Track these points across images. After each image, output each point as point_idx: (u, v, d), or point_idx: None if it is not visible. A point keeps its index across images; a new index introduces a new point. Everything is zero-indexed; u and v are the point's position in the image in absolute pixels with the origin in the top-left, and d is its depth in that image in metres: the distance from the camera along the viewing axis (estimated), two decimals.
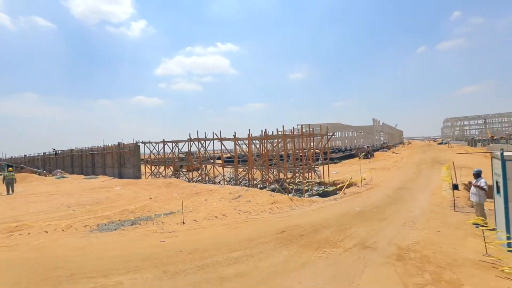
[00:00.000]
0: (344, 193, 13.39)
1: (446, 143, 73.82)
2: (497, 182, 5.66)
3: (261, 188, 16.05)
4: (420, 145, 75.40)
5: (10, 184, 15.90)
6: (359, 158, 44.16)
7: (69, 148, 40.36)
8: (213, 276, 4.49)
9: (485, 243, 5.24)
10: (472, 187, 6.97)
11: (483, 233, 5.28)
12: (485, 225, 5.99)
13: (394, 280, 4.26)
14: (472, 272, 4.44)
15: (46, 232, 7.17)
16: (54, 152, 40.68)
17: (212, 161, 22.99)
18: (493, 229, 5.82)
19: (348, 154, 46.01)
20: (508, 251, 5.16)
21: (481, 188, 6.69)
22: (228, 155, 33.70)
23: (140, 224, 7.87)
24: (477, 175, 6.97)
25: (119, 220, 8.30)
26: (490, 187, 6.58)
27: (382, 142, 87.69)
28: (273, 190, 15.56)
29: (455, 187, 12.63)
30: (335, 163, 37.81)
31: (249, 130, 17.87)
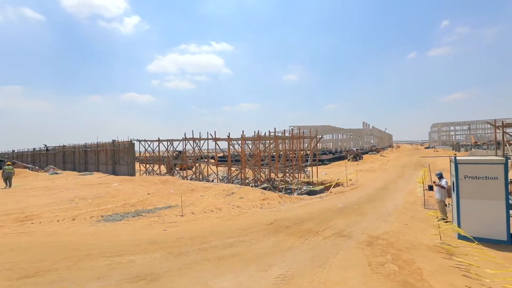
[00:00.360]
0: (330, 192, 14.40)
1: (432, 147, 77.20)
2: (453, 182, 6.70)
3: (253, 187, 16.92)
4: (408, 148, 77.88)
5: (8, 178, 16.33)
6: (348, 160, 45.68)
7: (61, 144, 40.23)
8: (212, 256, 5.32)
9: (439, 232, 6.26)
10: (435, 186, 8.03)
11: (439, 225, 6.31)
12: (444, 218, 7.05)
13: (361, 259, 5.19)
14: (425, 254, 5.43)
15: (58, 221, 7.83)
16: (45, 148, 40.40)
17: (206, 160, 23.70)
18: (446, 221, 6.88)
19: (338, 156, 47.40)
20: (459, 238, 6.18)
21: (442, 187, 7.75)
22: (222, 154, 34.40)
23: (142, 215, 8.59)
24: (440, 176, 8.04)
25: (123, 212, 9.00)
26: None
27: (371, 145, 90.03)
28: (264, 188, 16.43)
29: (430, 188, 13.89)
30: (325, 164, 39.04)
31: (243, 131, 18.74)
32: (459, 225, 6.28)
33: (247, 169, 19.79)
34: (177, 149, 29.58)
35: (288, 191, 16.89)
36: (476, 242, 5.34)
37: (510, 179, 6.80)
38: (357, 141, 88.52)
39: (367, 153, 65.28)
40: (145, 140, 27.85)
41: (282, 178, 18.26)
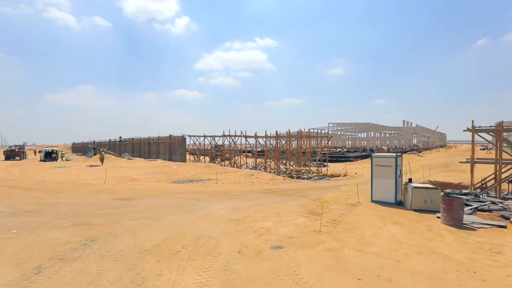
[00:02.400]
0: (329, 179, 18.74)
1: (488, 149, 69.84)
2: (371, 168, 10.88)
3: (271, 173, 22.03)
4: (463, 149, 72.61)
5: (103, 159, 24.77)
6: None
7: (131, 137, 50.69)
8: (229, 197, 10.76)
9: (358, 197, 10.64)
10: None
11: (357, 193, 10.68)
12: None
13: (302, 203, 10.00)
14: (339, 205, 9.97)
15: (150, 181, 14.22)
16: (119, 139, 51.37)
17: (239, 153, 29.55)
18: None
19: (366, 154, 49.19)
20: (371, 202, 10.44)
21: None
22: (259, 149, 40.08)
23: (194, 182, 14.53)
24: None
25: (183, 180, 15.09)
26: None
27: (413, 144, 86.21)
28: (281, 175, 21.37)
29: (410, 180, 17.22)
30: (350, 161, 41.86)
31: (265, 131, 23.89)
32: (372, 194, 10.55)
33: (270, 161, 24.93)
34: (218, 143, 36.14)
35: (300, 178, 21.56)
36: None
37: None
38: (400, 140, 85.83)
39: (405, 152, 64.16)
40: (194, 136, 34.95)
41: (297, 169, 22.97)
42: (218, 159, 37.59)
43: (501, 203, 9.93)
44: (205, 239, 5.66)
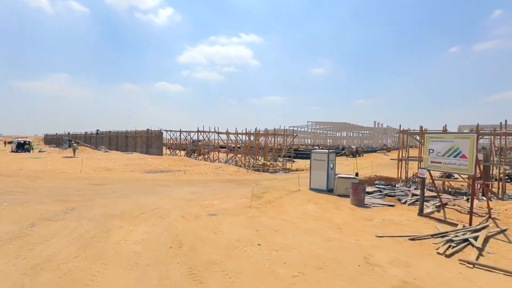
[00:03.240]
0: (290, 173, 21.10)
1: None
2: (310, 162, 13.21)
3: (239, 166, 24.09)
4: None
5: (75, 150, 25.72)
6: (347, 156, 50.87)
7: (108, 130, 50.61)
8: (192, 184, 12.65)
9: (299, 186, 12.95)
10: None
11: (298, 182, 12.98)
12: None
13: (251, 189, 12.11)
14: (282, 192, 12.20)
15: (124, 172, 15.74)
16: (96, 132, 51.09)
17: (213, 148, 31.30)
18: None
19: (338, 152, 52.81)
20: (310, 189, 12.77)
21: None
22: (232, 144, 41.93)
23: (164, 172, 16.22)
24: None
25: (155, 170, 16.73)
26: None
27: (383, 144, 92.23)
28: (248, 168, 23.47)
29: (357, 174, 20.01)
30: None
31: (236, 128, 25.94)
32: (310, 183, 12.89)
33: (241, 156, 26.99)
34: (193, 138, 37.62)
35: (266, 171, 23.79)
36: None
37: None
38: (374, 139, 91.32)
39: (375, 151, 69.02)
40: (170, 130, 36.16)
41: (264, 163, 25.22)
42: (195, 154, 39.10)
43: (408, 190, 12.65)
44: (160, 209, 7.57)
